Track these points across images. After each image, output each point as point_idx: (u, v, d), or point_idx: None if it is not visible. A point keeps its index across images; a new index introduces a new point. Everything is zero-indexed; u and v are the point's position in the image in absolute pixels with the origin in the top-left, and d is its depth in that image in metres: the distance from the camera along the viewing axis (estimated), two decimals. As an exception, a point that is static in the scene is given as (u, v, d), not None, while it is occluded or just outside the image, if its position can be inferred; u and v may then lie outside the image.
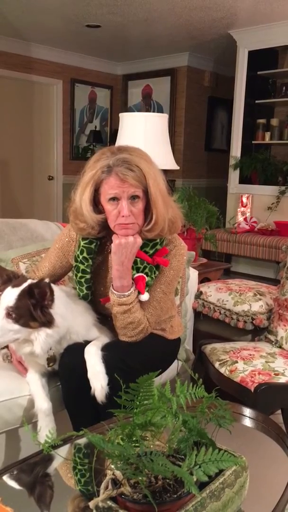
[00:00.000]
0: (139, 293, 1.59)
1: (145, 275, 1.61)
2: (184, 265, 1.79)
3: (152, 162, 1.60)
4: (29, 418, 1.64)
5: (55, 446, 1.19)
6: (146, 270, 1.62)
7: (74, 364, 1.60)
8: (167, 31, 5.44)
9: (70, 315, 1.62)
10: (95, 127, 7.13)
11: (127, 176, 1.51)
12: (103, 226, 1.63)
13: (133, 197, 1.54)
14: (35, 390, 1.63)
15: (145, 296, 1.59)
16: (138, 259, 1.61)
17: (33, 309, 1.48)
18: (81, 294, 1.72)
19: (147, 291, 1.62)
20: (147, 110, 6.93)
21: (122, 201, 1.53)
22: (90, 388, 1.54)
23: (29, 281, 1.53)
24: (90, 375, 1.55)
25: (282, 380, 1.84)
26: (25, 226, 2.39)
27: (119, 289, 1.59)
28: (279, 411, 2.05)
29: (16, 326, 1.48)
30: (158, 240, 1.65)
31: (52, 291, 1.50)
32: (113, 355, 1.60)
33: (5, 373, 1.71)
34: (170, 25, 5.24)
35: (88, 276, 1.69)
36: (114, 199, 1.54)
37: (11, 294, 1.49)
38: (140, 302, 1.62)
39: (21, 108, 6.32)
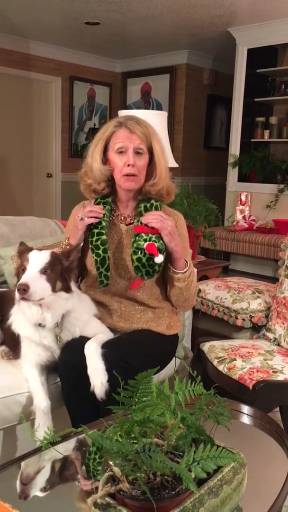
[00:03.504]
0: (154, 256, 1.65)
1: (154, 242, 1.67)
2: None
3: (157, 132, 1.78)
4: (27, 415, 1.64)
5: (53, 443, 1.19)
6: (154, 238, 1.67)
7: (74, 360, 1.60)
8: (167, 28, 5.43)
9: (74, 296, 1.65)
10: (94, 124, 7.12)
11: (135, 128, 1.68)
12: (108, 183, 1.77)
13: (138, 152, 1.69)
14: (34, 387, 1.63)
15: (159, 258, 1.65)
16: (143, 233, 1.68)
17: (63, 271, 1.59)
18: (99, 258, 1.70)
19: (161, 253, 1.68)
20: (146, 108, 6.92)
21: (129, 151, 1.68)
22: (89, 384, 1.54)
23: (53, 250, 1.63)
24: (90, 371, 1.56)
25: (280, 377, 1.84)
26: (23, 224, 2.39)
27: (182, 267, 1.74)
28: (277, 409, 2.05)
29: (47, 284, 1.53)
30: None
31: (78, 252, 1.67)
32: (113, 352, 1.61)
33: (4, 370, 1.71)
34: (170, 23, 5.23)
35: (104, 237, 1.71)
36: (122, 151, 1.69)
37: (43, 255, 1.56)
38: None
39: (20, 106, 6.30)
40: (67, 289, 1.61)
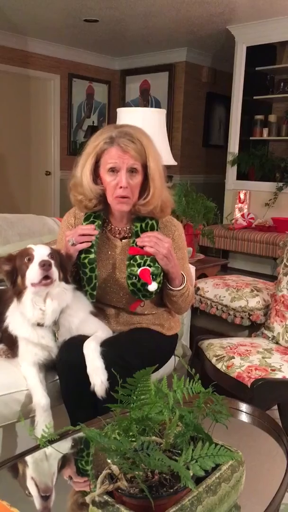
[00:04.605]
0: (147, 284, 1.59)
1: (148, 267, 1.60)
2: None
3: (152, 142, 1.65)
4: (26, 413, 1.64)
5: (52, 441, 1.19)
6: (148, 262, 1.61)
7: (73, 359, 1.60)
8: (166, 26, 5.42)
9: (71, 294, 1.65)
10: (93, 122, 7.11)
11: (129, 147, 1.56)
12: (100, 200, 1.67)
13: (132, 170, 1.59)
14: (33, 385, 1.63)
15: (152, 286, 1.59)
16: (138, 256, 1.62)
17: (62, 263, 1.61)
18: (85, 277, 1.65)
19: (158, 281, 1.61)
20: (145, 106, 6.90)
21: (121, 172, 1.58)
22: (88, 383, 1.54)
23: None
24: (89, 370, 1.55)
25: (278, 375, 1.84)
26: (22, 221, 2.38)
27: (179, 284, 1.69)
28: (276, 407, 2.05)
29: (55, 268, 1.54)
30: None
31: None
32: (112, 351, 1.60)
33: (1, 368, 1.70)
34: (169, 20, 5.21)
35: (92, 256, 1.64)
36: (114, 170, 1.58)
37: (44, 246, 1.59)
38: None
39: (18, 103, 6.29)
40: (66, 281, 1.62)
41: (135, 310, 1.74)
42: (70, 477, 1.26)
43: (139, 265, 1.60)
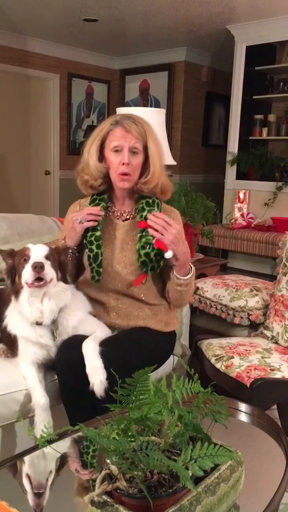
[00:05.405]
0: (163, 252, 1.64)
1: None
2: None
3: (153, 130, 1.79)
4: (26, 412, 1.64)
5: (50, 441, 1.19)
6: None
7: (72, 359, 1.60)
8: (165, 25, 5.42)
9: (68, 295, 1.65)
10: (92, 122, 7.11)
11: (131, 127, 1.70)
12: (105, 180, 1.79)
13: (134, 150, 1.71)
14: (32, 384, 1.63)
15: (168, 254, 1.64)
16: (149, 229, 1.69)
17: (60, 262, 1.63)
18: (92, 254, 1.73)
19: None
20: (145, 105, 6.90)
21: (124, 151, 1.70)
22: (87, 383, 1.54)
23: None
24: (88, 370, 1.56)
25: (278, 375, 1.84)
26: (21, 221, 2.39)
27: (186, 272, 1.73)
28: (275, 406, 2.06)
29: (51, 269, 1.56)
30: (156, 209, 1.77)
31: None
32: (111, 350, 1.61)
33: (1, 368, 1.70)
34: (168, 20, 5.21)
35: (98, 234, 1.73)
36: (117, 149, 1.71)
37: (42, 246, 1.61)
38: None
39: (18, 103, 6.28)
40: (65, 281, 1.64)
41: (138, 285, 1.76)
42: (77, 470, 1.26)
43: (153, 236, 1.66)
